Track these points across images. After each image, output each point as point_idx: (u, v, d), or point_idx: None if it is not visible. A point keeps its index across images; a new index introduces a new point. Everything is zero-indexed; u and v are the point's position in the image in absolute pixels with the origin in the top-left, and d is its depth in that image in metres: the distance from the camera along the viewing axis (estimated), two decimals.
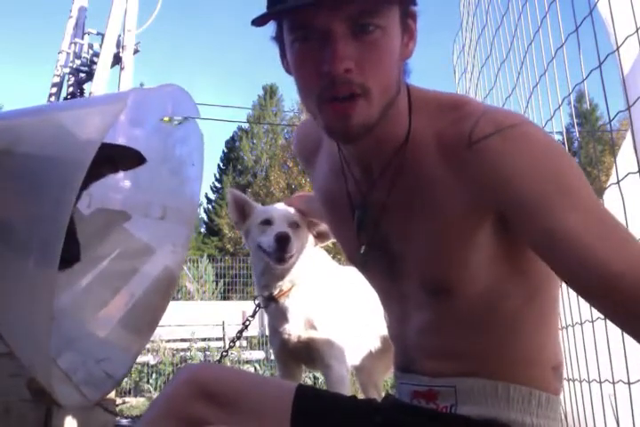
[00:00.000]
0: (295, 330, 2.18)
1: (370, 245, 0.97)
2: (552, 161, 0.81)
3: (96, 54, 7.60)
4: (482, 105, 0.93)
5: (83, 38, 7.87)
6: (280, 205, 2.16)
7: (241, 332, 2.40)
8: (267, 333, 8.23)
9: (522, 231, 0.81)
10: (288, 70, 0.87)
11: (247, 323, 2.33)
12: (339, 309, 2.25)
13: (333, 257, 2.56)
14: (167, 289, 1.56)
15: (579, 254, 0.74)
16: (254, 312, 2.33)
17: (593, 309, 1.50)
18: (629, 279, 0.72)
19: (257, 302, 2.30)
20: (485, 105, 0.97)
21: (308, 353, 2.19)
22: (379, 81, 0.81)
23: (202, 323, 9.09)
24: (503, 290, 0.91)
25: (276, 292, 2.16)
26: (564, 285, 1.70)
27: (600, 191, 1.56)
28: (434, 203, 0.87)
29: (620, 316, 0.75)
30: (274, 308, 2.22)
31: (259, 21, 0.80)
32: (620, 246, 0.74)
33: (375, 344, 2.42)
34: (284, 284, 2.16)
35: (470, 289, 0.90)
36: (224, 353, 2.51)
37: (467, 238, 0.87)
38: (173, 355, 7.80)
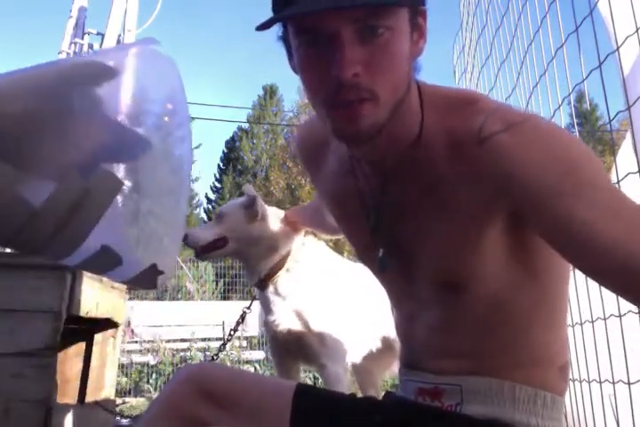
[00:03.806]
0: (282, 321, 2.18)
1: (386, 246, 0.96)
2: (562, 152, 0.80)
3: None
4: (494, 102, 0.91)
5: (83, 38, 7.87)
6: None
7: (238, 324, 2.43)
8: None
9: (535, 224, 0.81)
10: (295, 70, 0.86)
11: (243, 315, 2.37)
12: (335, 304, 2.25)
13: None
14: None
15: (592, 242, 0.74)
16: (250, 303, 2.37)
17: (593, 309, 1.51)
18: None
19: (254, 293, 2.36)
20: (498, 102, 0.96)
21: (301, 350, 2.20)
22: (387, 84, 0.80)
23: (202, 323, 9.09)
24: (514, 290, 0.91)
25: (256, 280, 2.22)
26: None
27: None
28: (446, 200, 0.87)
29: None
30: (262, 298, 2.26)
31: (264, 27, 0.78)
32: (634, 229, 0.74)
33: (376, 344, 2.42)
34: (263, 271, 2.20)
35: (482, 288, 0.90)
36: (227, 339, 2.53)
37: (479, 236, 0.86)
38: (173, 355, 7.81)
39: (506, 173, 0.80)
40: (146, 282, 1.30)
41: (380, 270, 0.99)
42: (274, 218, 2.26)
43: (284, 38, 0.85)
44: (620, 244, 0.73)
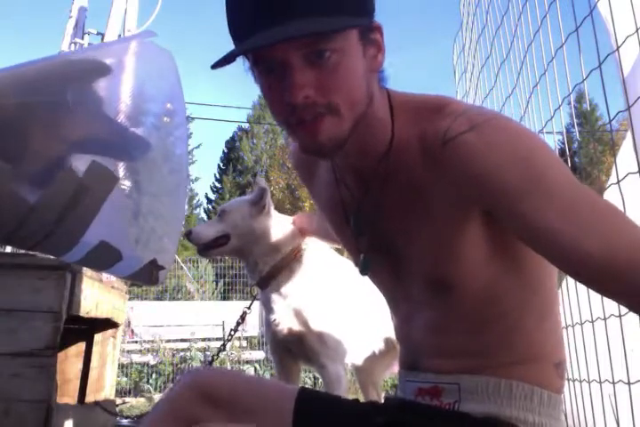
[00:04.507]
0: (283, 320, 2.18)
1: (372, 248, 0.99)
2: (524, 150, 0.83)
3: None
4: (463, 105, 0.94)
5: (83, 38, 7.85)
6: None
7: (238, 324, 2.43)
8: None
9: (503, 221, 0.85)
10: None
11: (243, 315, 2.37)
12: (337, 305, 2.25)
13: None
14: None
15: (553, 239, 0.79)
16: (251, 303, 2.37)
17: (593, 309, 1.51)
18: (597, 259, 0.77)
19: (254, 293, 2.36)
20: (467, 105, 0.99)
21: (300, 350, 2.19)
22: (344, 98, 0.83)
23: (202, 323, 9.10)
24: (503, 286, 0.93)
25: (257, 278, 2.22)
26: (563, 286, 1.71)
27: (600, 191, 1.56)
28: (424, 202, 0.90)
29: (606, 292, 0.82)
30: (263, 297, 2.25)
31: (219, 65, 0.82)
32: (590, 227, 0.79)
33: (379, 345, 2.42)
34: (264, 270, 2.20)
35: (471, 286, 0.92)
36: (227, 339, 2.53)
37: (460, 234, 0.89)
38: (173, 355, 7.81)
39: (469, 174, 0.83)
40: (147, 277, 1.31)
41: (361, 273, 1.03)
42: (282, 218, 2.29)
43: (251, 68, 0.88)
44: (577, 242, 0.78)
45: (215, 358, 2.68)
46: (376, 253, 0.99)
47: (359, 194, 0.98)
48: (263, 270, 2.21)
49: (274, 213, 2.28)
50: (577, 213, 0.79)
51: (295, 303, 2.19)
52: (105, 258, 1.22)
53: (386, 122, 0.92)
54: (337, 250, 2.37)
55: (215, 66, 0.82)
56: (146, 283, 1.42)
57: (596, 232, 0.78)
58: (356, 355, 2.33)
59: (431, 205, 0.89)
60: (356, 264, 1.07)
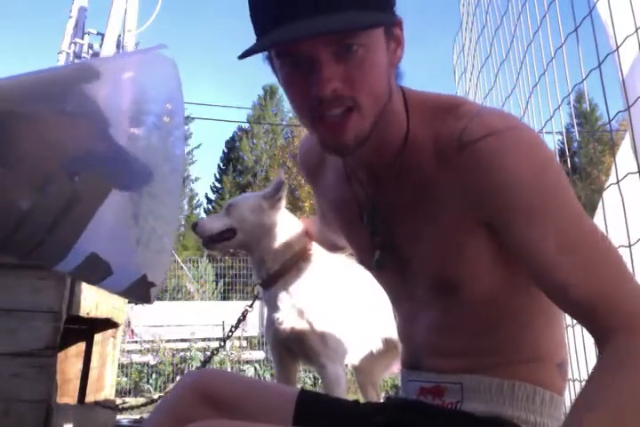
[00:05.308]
0: (286, 319, 2.18)
1: (382, 247, 0.99)
2: (537, 173, 0.83)
3: (96, 54, 7.58)
4: (477, 106, 0.94)
5: (83, 38, 7.85)
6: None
7: (239, 322, 2.43)
8: None
9: (501, 235, 0.86)
10: (282, 86, 0.90)
11: (245, 313, 2.36)
12: (339, 306, 2.25)
13: None
14: None
15: (545, 271, 0.81)
16: (253, 302, 2.36)
17: None
18: (585, 304, 0.79)
19: (256, 292, 2.35)
20: (481, 106, 0.98)
21: (301, 349, 2.19)
22: (368, 93, 0.83)
23: (202, 323, 9.10)
24: (508, 288, 0.93)
25: (264, 276, 2.21)
26: None
27: (600, 191, 1.56)
28: (434, 203, 0.89)
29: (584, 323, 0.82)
30: (267, 295, 2.24)
31: (245, 56, 0.81)
32: (586, 272, 0.80)
33: (377, 345, 2.42)
34: (273, 267, 2.19)
35: (476, 287, 0.92)
36: (228, 335, 2.53)
37: (466, 237, 0.89)
38: (173, 355, 7.82)
39: (482, 183, 0.83)
40: (140, 294, 1.31)
41: (377, 270, 1.02)
42: (291, 217, 2.28)
43: (269, 58, 0.88)
44: (570, 287, 0.79)
45: (215, 353, 2.67)
46: (384, 252, 0.98)
47: (372, 191, 0.97)
48: (271, 268, 2.19)
49: (284, 210, 2.27)
50: (579, 252, 0.81)
51: (300, 303, 2.18)
52: (96, 271, 1.21)
53: (401, 117, 0.91)
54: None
55: (241, 57, 0.81)
56: (140, 300, 1.42)
57: (591, 277, 0.79)
58: (353, 355, 2.32)
59: (439, 206, 0.89)
60: (362, 262, 1.07)
